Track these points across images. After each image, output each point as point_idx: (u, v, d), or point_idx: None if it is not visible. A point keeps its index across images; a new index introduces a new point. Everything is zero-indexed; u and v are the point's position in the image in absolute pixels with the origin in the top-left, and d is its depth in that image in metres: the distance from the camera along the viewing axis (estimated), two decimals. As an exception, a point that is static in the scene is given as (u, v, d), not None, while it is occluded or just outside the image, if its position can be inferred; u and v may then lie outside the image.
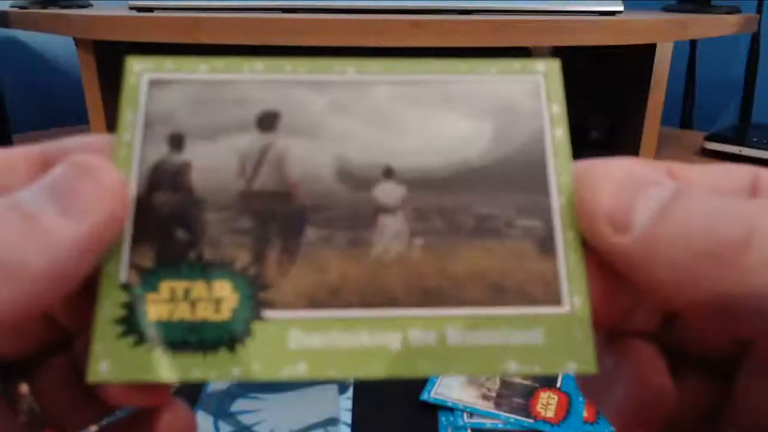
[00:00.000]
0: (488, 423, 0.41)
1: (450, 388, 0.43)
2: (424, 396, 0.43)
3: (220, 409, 0.41)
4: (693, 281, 0.13)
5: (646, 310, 0.17)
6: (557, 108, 0.17)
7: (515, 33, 0.53)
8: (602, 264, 0.16)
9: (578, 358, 0.15)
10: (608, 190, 0.15)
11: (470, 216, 0.16)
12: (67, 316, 0.17)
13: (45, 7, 0.66)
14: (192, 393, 0.43)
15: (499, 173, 0.17)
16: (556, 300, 0.16)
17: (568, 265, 0.16)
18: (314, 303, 0.16)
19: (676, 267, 0.13)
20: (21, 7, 0.67)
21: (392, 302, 0.16)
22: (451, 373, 0.15)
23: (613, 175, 0.15)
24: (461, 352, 0.15)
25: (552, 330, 0.15)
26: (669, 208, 0.14)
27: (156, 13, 0.57)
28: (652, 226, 0.14)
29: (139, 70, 0.17)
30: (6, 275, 0.13)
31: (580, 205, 0.16)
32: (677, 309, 0.14)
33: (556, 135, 0.17)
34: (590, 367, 0.15)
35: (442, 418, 0.41)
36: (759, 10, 0.83)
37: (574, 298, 0.16)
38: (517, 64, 0.18)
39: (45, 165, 0.16)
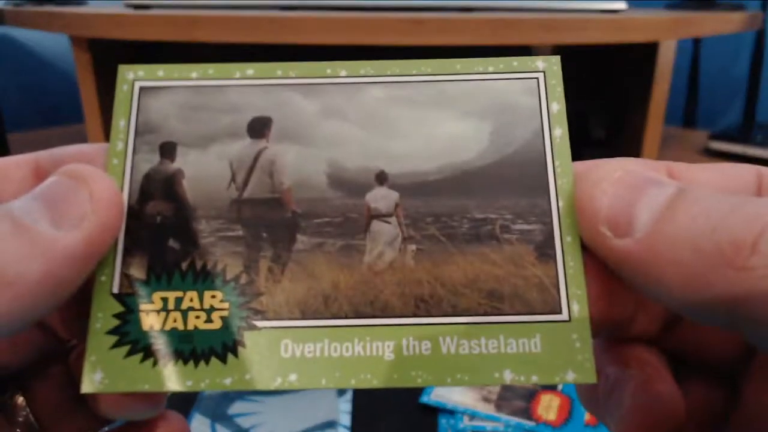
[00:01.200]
0: (489, 426, 0.40)
1: (450, 391, 0.43)
2: (424, 398, 0.42)
3: (218, 411, 0.41)
4: (697, 284, 0.13)
5: (647, 315, 0.17)
6: (557, 107, 0.17)
7: (517, 31, 0.52)
8: (602, 269, 0.15)
9: (577, 367, 0.15)
10: (608, 191, 0.15)
11: (466, 221, 0.16)
12: (63, 325, 0.17)
13: (40, 4, 0.65)
14: (189, 395, 0.43)
15: (495, 176, 0.16)
16: (554, 307, 0.15)
17: (566, 271, 0.16)
18: (306, 312, 0.15)
19: (680, 269, 0.13)
20: (15, 4, 0.66)
21: (385, 311, 0.15)
22: (446, 383, 0.15)
23: (612, 176, 0.15)
24: (456, 362, 0.15)
25: (550, 338, 0.15)
26: (671, 208, 0.13)
27: (153, 11, 0.57)
28: (655, 227, 0.13)
29: (131, 78, 0.17)
30: (0, 285, 0.12)
31: (579, 208, 0.15)
32: (680, 313, 0.14)
33: (555, 135, 0.17)
34: (590, 376, 0.15)
35: (442, 421, 0.41)
36: (764, 8, 0.82)
37: (573, 305, 0.15)
38: (515, 62, 0.17)
39: (38, 173, 0.16)
